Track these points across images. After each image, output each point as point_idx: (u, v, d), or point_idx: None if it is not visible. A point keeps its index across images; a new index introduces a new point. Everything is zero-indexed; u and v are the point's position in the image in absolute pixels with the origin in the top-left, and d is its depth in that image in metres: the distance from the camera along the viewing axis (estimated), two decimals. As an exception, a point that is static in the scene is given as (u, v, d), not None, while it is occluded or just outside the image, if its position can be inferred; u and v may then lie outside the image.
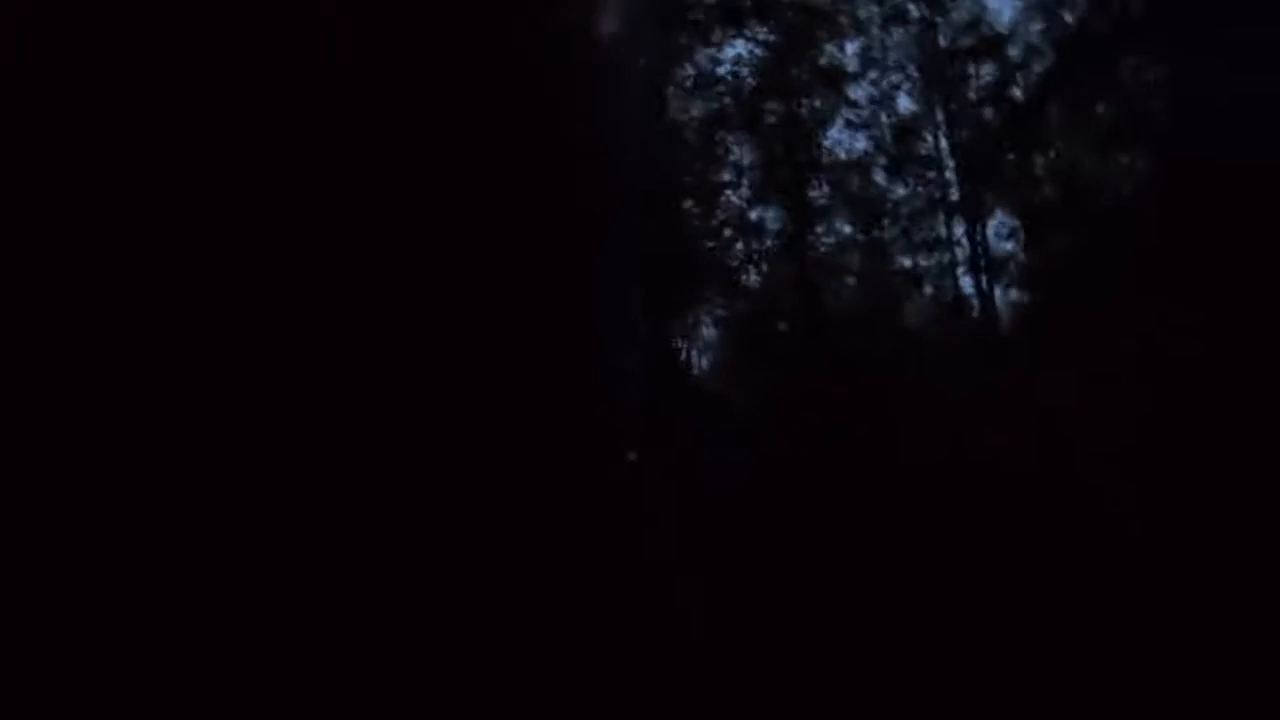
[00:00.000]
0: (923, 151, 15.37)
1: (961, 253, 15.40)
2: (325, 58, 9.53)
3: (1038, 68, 14.68)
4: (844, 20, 15.59)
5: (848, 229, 15.98)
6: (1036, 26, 14.80)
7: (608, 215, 12.20)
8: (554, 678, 9.99)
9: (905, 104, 15.44)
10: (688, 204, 15.71)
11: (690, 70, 15.41)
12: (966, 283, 15.31)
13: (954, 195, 15.34)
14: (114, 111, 8.92)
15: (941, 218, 15.49)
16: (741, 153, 15.87)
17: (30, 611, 8.44)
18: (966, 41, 15.06)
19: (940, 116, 15.14)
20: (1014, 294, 15.23)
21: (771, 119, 15.73)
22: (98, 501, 8.79)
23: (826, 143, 15.75)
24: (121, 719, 8.50)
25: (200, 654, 8.77)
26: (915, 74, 15.28)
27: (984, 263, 15.19)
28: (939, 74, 15.08)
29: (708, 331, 15.69)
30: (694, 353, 15.56)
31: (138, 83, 8.94)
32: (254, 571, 9.12)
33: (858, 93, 15.63)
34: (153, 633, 8.73)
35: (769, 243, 16.10)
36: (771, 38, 15.54)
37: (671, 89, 15.35)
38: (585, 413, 11.76)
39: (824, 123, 15.77)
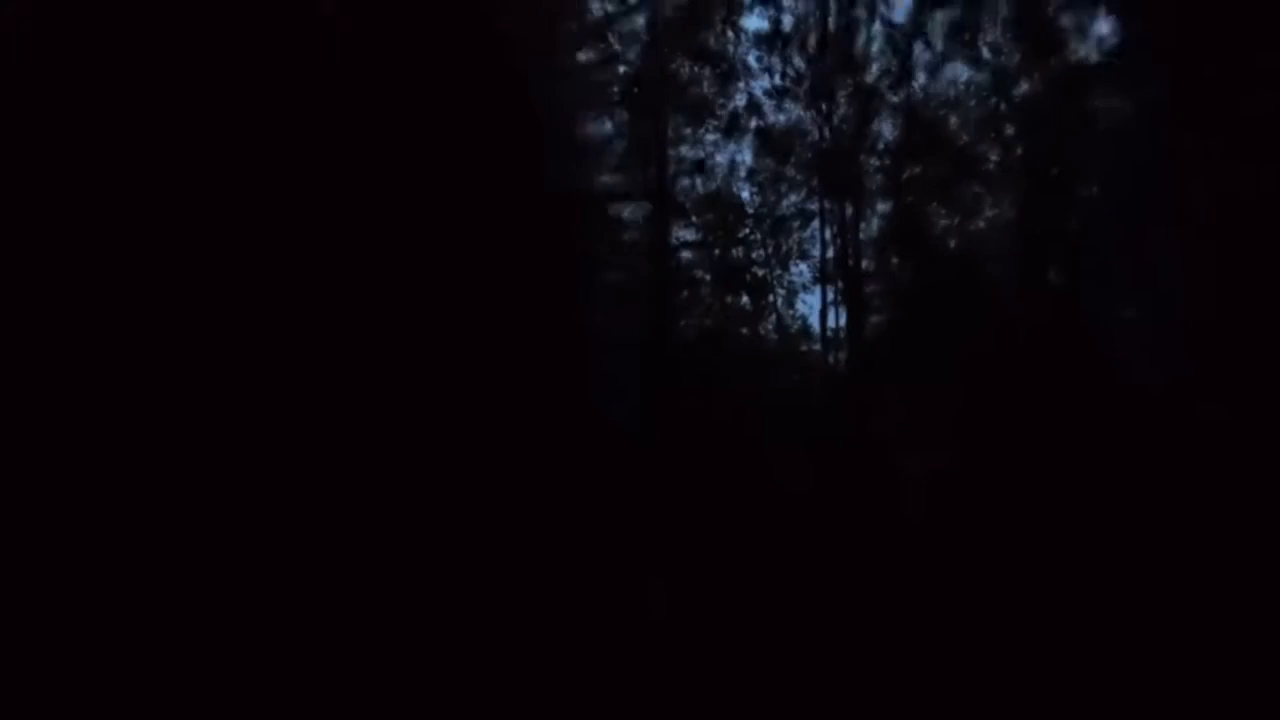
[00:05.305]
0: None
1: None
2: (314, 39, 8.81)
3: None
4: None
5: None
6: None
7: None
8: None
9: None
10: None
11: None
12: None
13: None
14: (112, 111, 8.67)
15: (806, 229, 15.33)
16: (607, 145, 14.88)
17: (30, 611, 8.36)
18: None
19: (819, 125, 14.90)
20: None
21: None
22: (97, 500, 8.65)
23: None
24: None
25: (199, 653, 8.71)
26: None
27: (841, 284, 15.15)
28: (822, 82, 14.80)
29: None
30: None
31: (136, 81, 8.71)
32: (256, 570, 9.17)
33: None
34: (152, 632, 8.68)
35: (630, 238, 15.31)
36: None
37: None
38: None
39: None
